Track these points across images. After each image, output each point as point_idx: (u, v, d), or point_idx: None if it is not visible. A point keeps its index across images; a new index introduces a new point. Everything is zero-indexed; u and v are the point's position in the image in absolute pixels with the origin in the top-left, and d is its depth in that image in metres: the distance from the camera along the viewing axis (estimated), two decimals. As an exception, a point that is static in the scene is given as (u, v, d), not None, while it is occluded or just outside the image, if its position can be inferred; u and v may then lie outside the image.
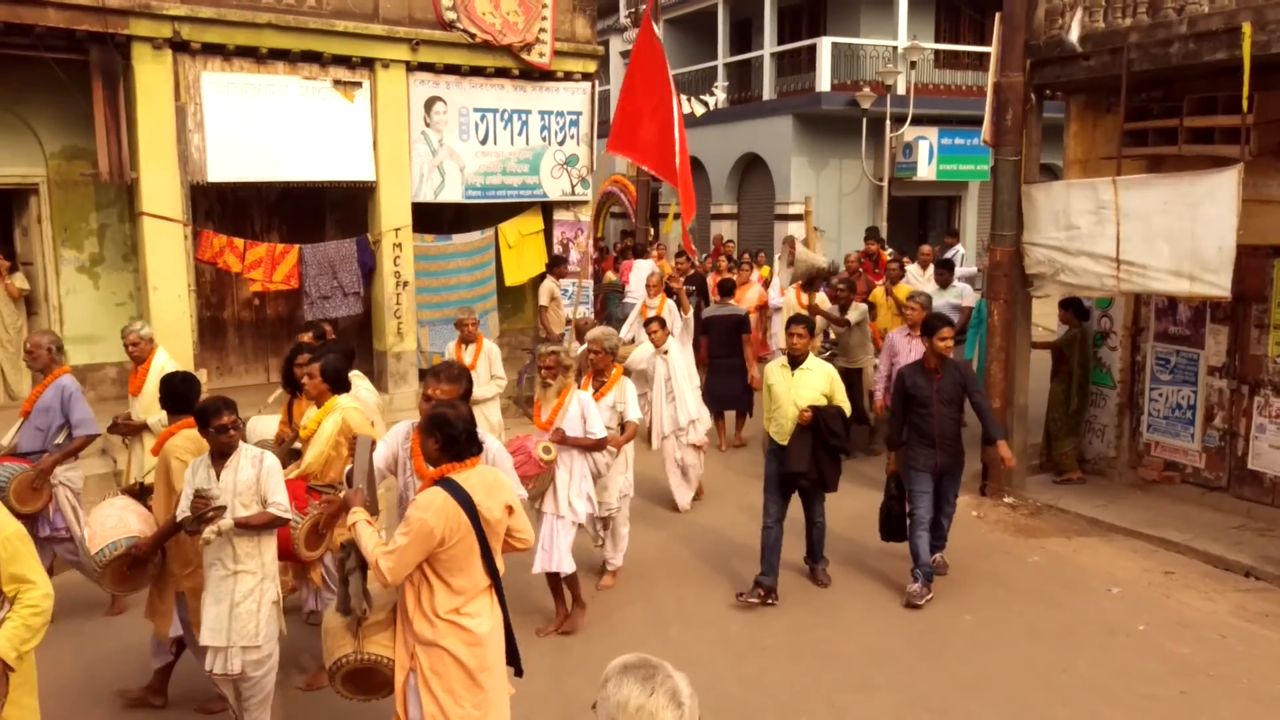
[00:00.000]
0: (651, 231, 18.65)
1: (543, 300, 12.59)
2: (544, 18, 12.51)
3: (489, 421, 8.65)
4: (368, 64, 11.48)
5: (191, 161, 10.60)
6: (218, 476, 4.77)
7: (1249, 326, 8.28)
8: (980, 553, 7.88)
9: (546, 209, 13.42)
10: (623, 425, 7.02)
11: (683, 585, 7.34)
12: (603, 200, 19.26)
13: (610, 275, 15.10)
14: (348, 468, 5.35)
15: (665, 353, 8.79)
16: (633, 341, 10.07)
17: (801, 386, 6.83)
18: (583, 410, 6.41)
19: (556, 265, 12.71)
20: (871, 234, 14.97)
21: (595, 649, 6.20)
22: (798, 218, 20.85)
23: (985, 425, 7.18)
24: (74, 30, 9.78)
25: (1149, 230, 7.70)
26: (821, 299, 10.95)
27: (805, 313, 9.31)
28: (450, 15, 11.85)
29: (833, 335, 10.62)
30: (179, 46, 10.36)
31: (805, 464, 6.74)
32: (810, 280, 11.03)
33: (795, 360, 6.93)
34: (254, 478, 4.79)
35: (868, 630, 6.55)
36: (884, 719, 5.49)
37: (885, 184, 21.11)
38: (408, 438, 4.66)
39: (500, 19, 12.17)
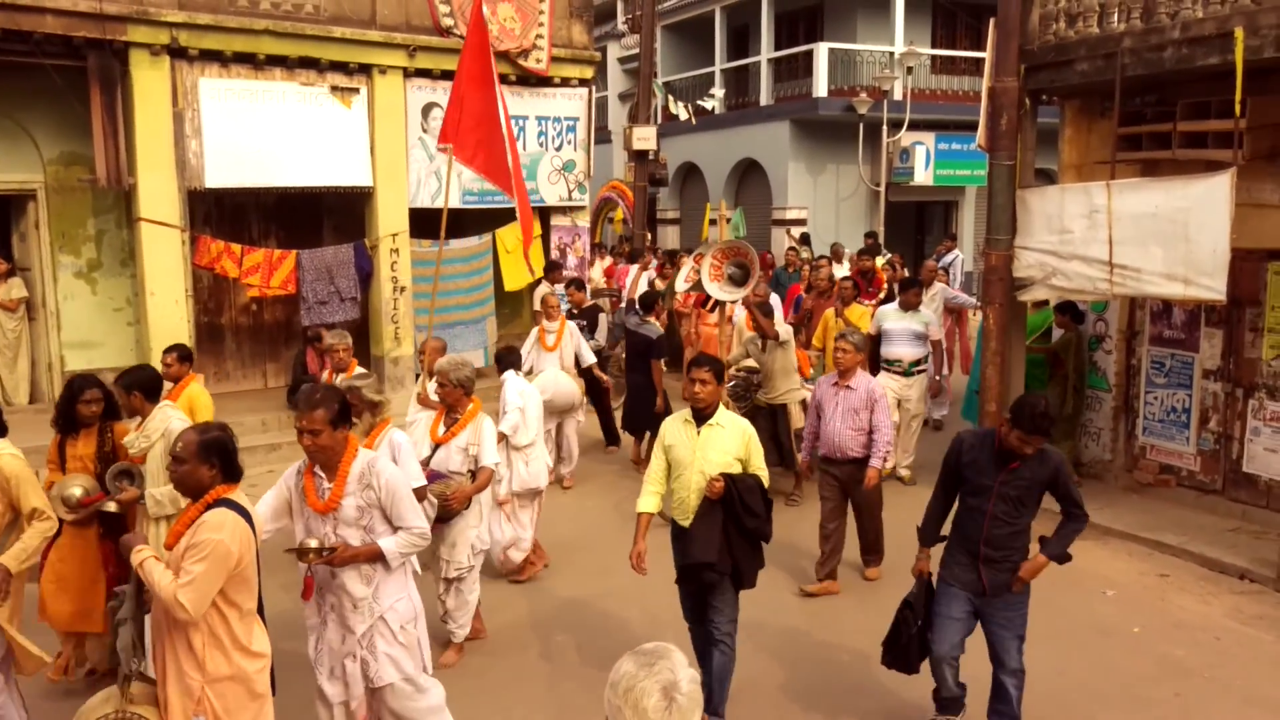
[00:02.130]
0: (649, 237, 18.69)
1: (538, 306, 12.61)
2: (541, 24, 12.56)
3: None
4: (365, 70, 11.53)
5: (189, 167, 10.64)
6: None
7: (1243, 330, 8.31)
8: (976, 556, 7.88)
9: (543, 214, 13.44)
10: (474, 472, 6.04)
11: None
12: (600, 205, 19.32)
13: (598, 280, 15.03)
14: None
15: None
16: (530, 372, 9.34)
17: (709, 448, 5.24)
18: (394, 454, 5.39)
19: (553, 270, 12.73)
20: (868, 250, 14.44)
21: (587, 654, 6.22)
22: (796, 222, 20.94)
23: (1055, 536, 5.01)
24: (72, 37, 9.83)
25: (1142, 234, 7.72)
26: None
27: (754, 335, 8.87)
28: (447, 22, 11.89)
29: (750, 362, 9.16)
30: (177, 53, 10.41)
31: (714, 551, 5.17)
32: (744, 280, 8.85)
33: (700, 414, 5.28)
34: None
35: (862, 632, 6.55)
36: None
37: (882, 189, 21.15)
38: (299, 473, 4.43)
39: (497, 25, 12.21)
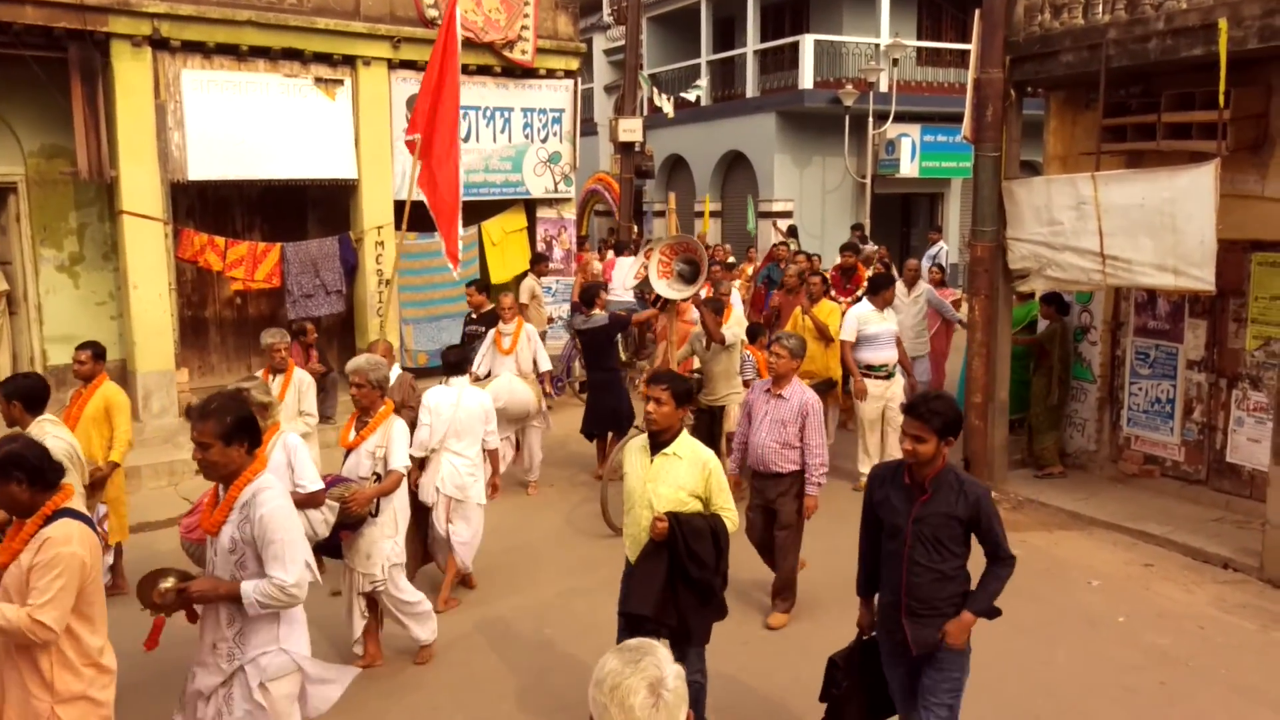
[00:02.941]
0: (635, 229, 18.65)
1: (523, 298, 12.58)
2: (526, 15, 12.51)
3: None
4: (349, 61, 11.46)
5: (172, 159, 10.55)
6: None
7: (1227, 320, 8.35)
8: (962, 547, 7.91)
9: (529, 206, 13.41)
10: (378, 476, 5.71)
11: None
12: (586, 198, 19.28)
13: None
14: None
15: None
16: (488, 376, 9.02)
17: (661, 480, 4.65)
18: (289, 456, 5.06)
19: (539, 263, 12.70)
20: (849, 247, 12.91)
21: (577, 648, 6.21)
22: (783, 214, 20.94)
23: (979, 587, 4.26)
24: (52, 27, 9.73)
25: (1130, 225, 7.76)
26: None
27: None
28: (432, 13, 11.83)
29: (696, 365, 8.79)
30: (159, 44, 10.32)
31: (651, 603, 4.57)
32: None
33: (656, 439, 4.71)
34: None
35: (851, 625, 6.55)
36: (866, 712, 5.49)
37: (868, 181, 21.17)
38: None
39: (482, 16, 12.16)
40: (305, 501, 4.99)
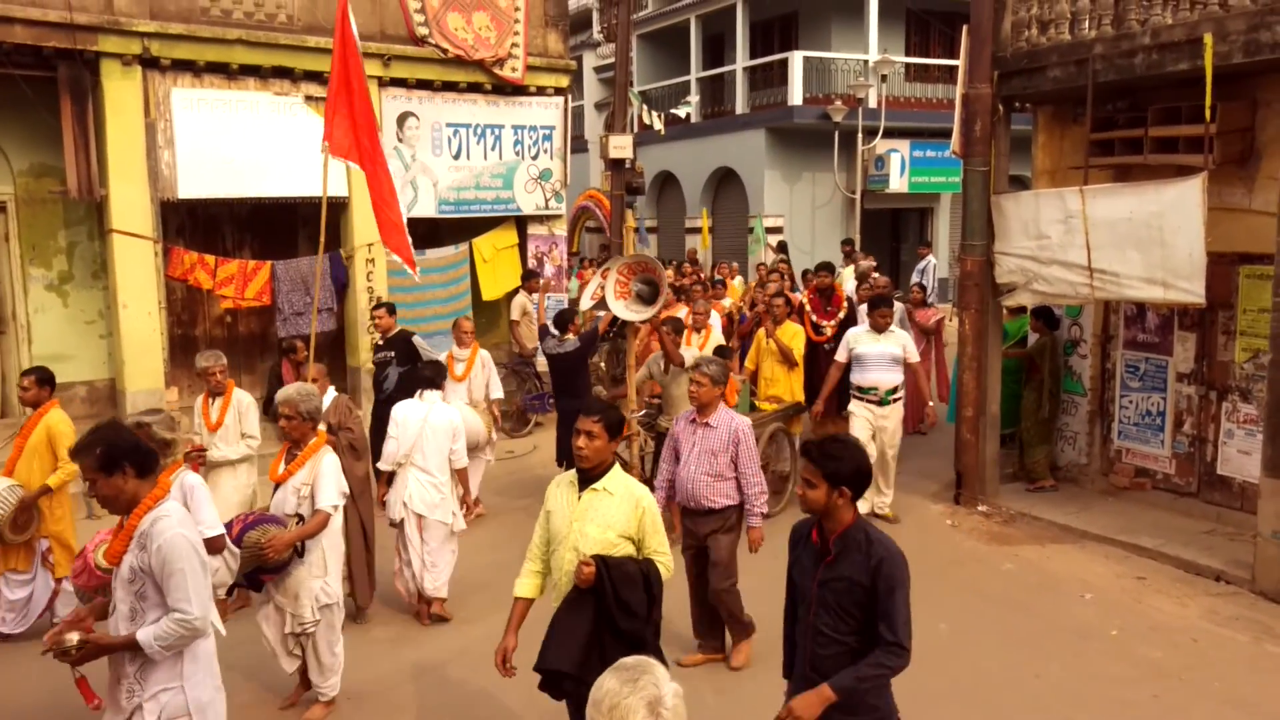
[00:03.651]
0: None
1: (514, 315, 12.59)
2: (516, 33, 12.55)
3: (237, 484, 7.26)
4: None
5: (162, 178, 10.55)
6: None
7: (1216, 333, 8.38)
8: (955, 561, 7.91)
9: (520, 223, 13.43)
10: (301, 518, 5.34)
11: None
12: (577, 215, 19.30)
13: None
14: None
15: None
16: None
17: (589, 519, 4.19)
18: (185, 498, 4.67)
19: (530, 279, 12.71)
20: (824, 267, 11.62)
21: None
22: (773, 230, 20.98)
23: (858, 663, 3.55)
24: (41, 47, 9.73)
25: (1118, 238, 7.79)
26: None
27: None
28: (422, 31, 11.86)
29: (656, 390, 8.43)
30: (148, 63, 10.32)
31: (573, 658, 4.13)
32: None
33: (585, 474, 4.26)
34: None
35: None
36: (860, 728, 5.47)
37: (858, 196, 21.25)
38: None
39: (472, 34, 12.19)
40: (205, 548, 4.66)
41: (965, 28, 8.94)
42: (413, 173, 12.14)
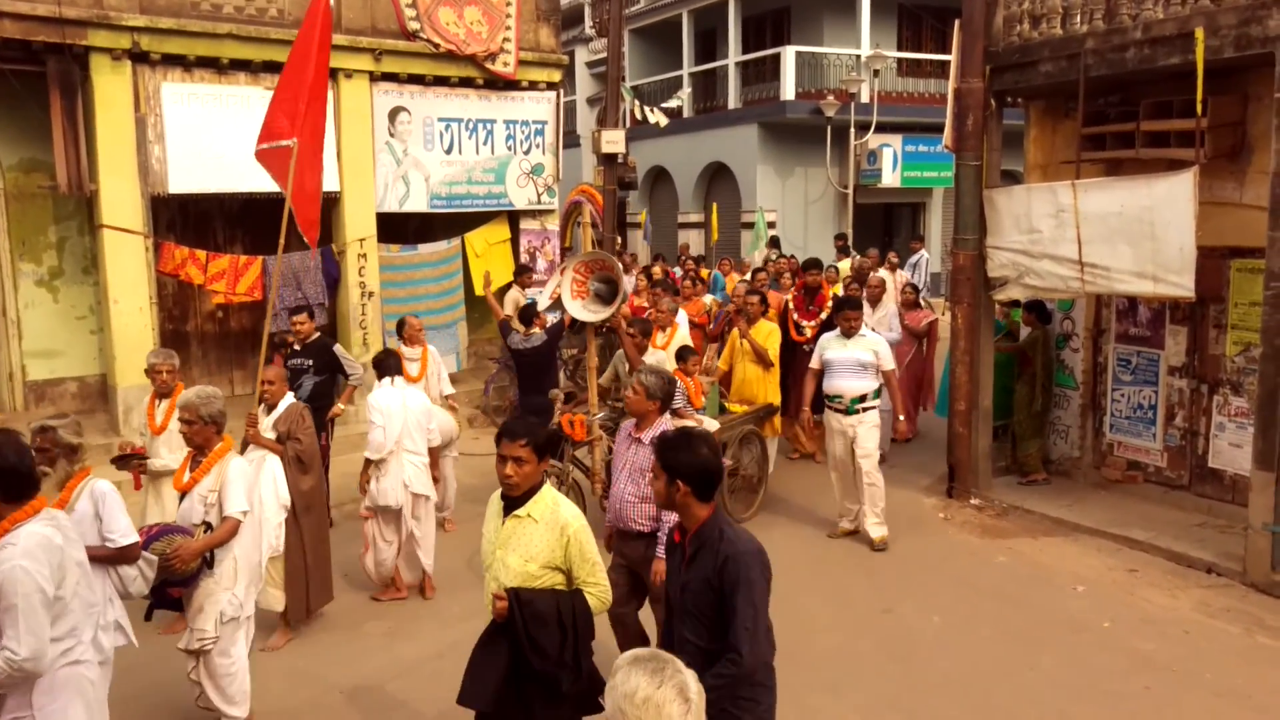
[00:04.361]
0: (620, 241, 18.65)
1: (507, 310, 12.55)
2: (508, 27, 12.52)
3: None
4: (331, 74, 11.29)
5: (152, 173, 10.50)
6: None
7: (1207, 327, 8.40)
8: (948, 554, 7.93)
9: (513, 218, 13.41)
10: (209, 526, 4.97)
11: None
12: (569, 210, 19.28)
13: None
14: None
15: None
16: None
17: (511, 547, 3.88)
18: (96, 506, 4.37)
19: (522, 274, 12.69)
20: (813, 264, 10.72)
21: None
22: (767, 225, 20.97)
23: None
24: (30, 41, 9.68)
25: (1109, 232, 7.81)
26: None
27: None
28: (414, 25, 11.82)
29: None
30: (138, 57, 10.27)
31: (486, 695, 3.90)
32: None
33: (511, 498, 3.93)
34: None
35: (837, 632, 6.57)
36: (853, 719, 5.50)
37: (850, 191, 21.26)
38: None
39: (464, 29, 12.16)
40: (114, 557, 4.37)
41: (957, 22, 8.95)
42: (404, 167, 12.11)
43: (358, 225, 11.77)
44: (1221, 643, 6.31)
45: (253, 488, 5.19)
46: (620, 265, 7.55)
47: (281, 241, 6.63)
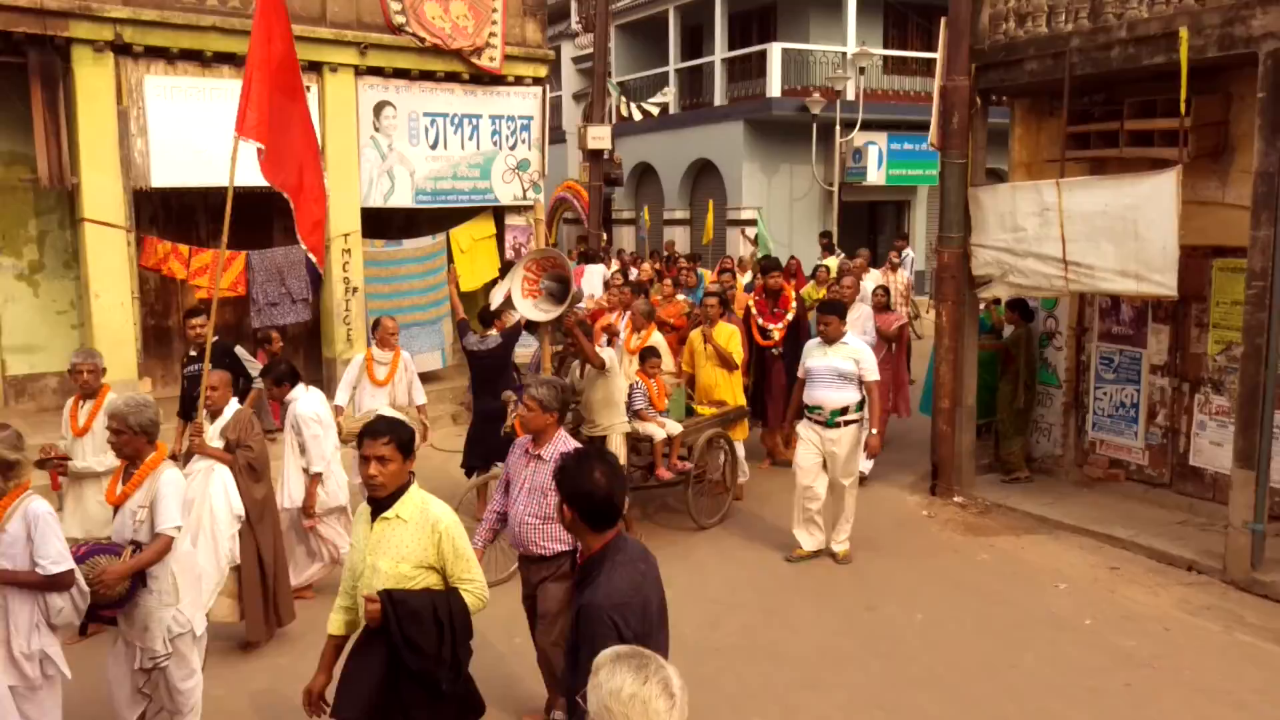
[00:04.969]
0: (605, 237, 18.65)
1: (494, 307, 12.53)
2: (494, 22, 12.49)
3: (104, 499, 6.13)
4: (315, 68, 11.37)
5: (134, 166, 10.43)
6: None
7: (1189, 326, 8.45)
8: (931, 551, 7.95)
9: (498, 214, 13.38)
10: (137, 545, 4.61)
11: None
12: (555, 206, 19.25)
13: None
14: None
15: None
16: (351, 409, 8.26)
17: (381, 551, 3.83)
18: (29, 529, 4.16)
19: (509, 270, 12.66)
20: (774, 267, 10.53)
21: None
22: (750, 222, 20.99)
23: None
24: (11, 32, 9.60)
25: (1093, 231, 7.84)
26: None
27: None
28: (399, 19, 11.78)
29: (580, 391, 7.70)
30: (121, 49, 10.20)
31: (361, 704, 3.83)
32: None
33: (377, 501, 3.87)
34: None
35: (820, 630, 6.58)
36: (836, 717, 5.51)
37: (836, 189, 21.29)
38: None
39: (450, 23, 12.12)
40: (43, 584, 4.14)
41: (943, 20, 8.97)
42: (389, 162, 12.07)
43: (342, 220, 11.72)
44: (1202, 640, 6.35)
45: (191, 502, 5.01)
46: (570, 263, 7.38)
47: (225, 235, 6.66)
